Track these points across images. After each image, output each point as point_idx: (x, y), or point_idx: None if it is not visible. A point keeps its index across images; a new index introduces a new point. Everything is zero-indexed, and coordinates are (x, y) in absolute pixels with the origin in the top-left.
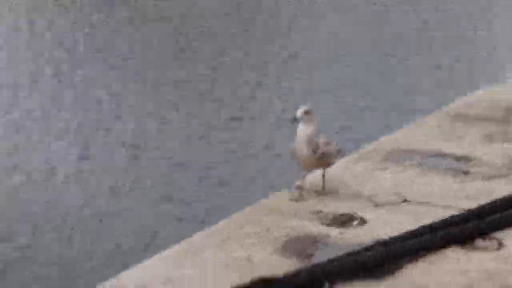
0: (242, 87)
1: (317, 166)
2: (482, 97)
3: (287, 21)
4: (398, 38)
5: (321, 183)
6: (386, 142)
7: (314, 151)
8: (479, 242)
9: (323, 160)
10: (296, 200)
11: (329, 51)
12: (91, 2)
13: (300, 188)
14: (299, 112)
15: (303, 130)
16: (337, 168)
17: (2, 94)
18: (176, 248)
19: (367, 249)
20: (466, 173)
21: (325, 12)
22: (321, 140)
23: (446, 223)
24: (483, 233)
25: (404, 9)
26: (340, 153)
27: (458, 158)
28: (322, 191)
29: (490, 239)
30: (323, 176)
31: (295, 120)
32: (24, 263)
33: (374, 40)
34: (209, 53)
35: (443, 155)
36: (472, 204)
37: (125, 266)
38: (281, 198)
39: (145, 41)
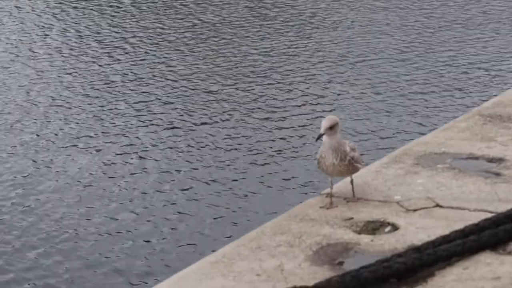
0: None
1: (345, 173)
2: None
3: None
4: (438, 34)
5: (350, 190)
6: (417, 145)
7: (342, 158)
8: None
9: (351, 166)
10: (327, 208)
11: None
12: None
13: (330, 195)
14: (323, 128)
15: (328, 142)
16: (368, 173)
17: None
18: (208, 259)
19: (399, 255)
20: (498, 175)
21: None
22: (347, 145)
23: (479, 228)
24: None
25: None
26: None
27: (490, 160)
28: (352, 198)
29: None
30: (352, 182)
31: (320, 137)
32: None
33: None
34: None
35: (474, 157)
36: (505, 207)
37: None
38: (311, 206)
39: None
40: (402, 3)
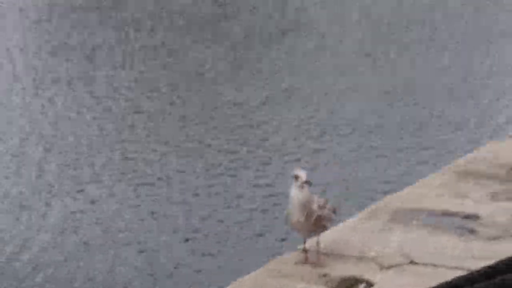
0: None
1: (313, 231)
2: (486, 153)
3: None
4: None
5: (327, 245)
6: (392, 200)
7: (309, 216)
8: None
9: (318, 225)
10: (302, 263)
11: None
12: None
13: (305, 250)
14: (305, 176)
15: (296, 195)
16: (343, 229)
17: None
18: None
19: None
20: (473, 232)
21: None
22: (315, 203)
23: (453, 285)
24: None
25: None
26: (335, 211)
27: (464, 217)
28: (318, 261)
29: None
30: (318, 243)
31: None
32: None
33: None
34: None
35: (449, 214)
36: (480, 265)
37: None
38: (287, 261)
39: None
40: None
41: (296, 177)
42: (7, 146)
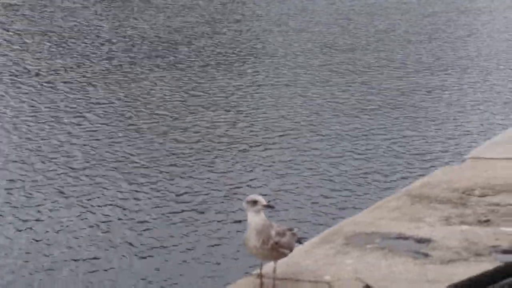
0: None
1: (270, 257)
2: (440, 177)
3: None
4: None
5: (282, 270)
6: (347, 225)
7: (265, 242)
8: None
9: (275, 251)
10: None
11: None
12: None
13: (260, 275)
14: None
15: (253, 220)
16: (298, 253)
17: None
18: None
19: None
20: (426, 256)
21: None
22: (275, 229)
23: None
24: None
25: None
26: (300, 241)
27: (418, 240)
28: (283, 278)
29: None
30: (274, 270)
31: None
32: None
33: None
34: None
35: (404, 237)
36: None
37: None
38: (242, 286)
39: None
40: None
41: (254, 202)
42: None
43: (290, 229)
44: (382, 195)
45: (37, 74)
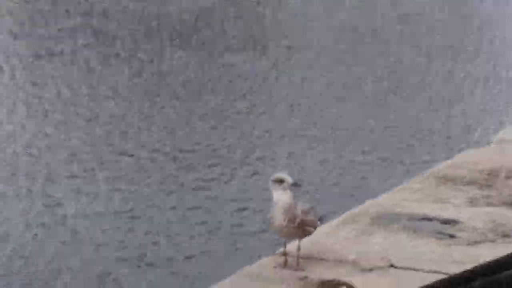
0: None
1: (295, 235)
2: (466, 159)
3: None
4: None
5: (306, 248)
6: (372, 205)
7: (291, 220)
8: None
9: (301, 230)
10: (281, 267)
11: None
12: None
13: (284, 254)
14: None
15: (279, 198)
16: (323, 232)
17: None
18: None
19: None
20: (452, 236)
21: None
22: (299, 207)
23: None
24: None
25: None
26: (321, 219)
27: (443, 222)
28: (296, 266)
29: None
30: (298, 248)
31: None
32: None
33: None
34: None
35: (428, 219)
36: (458, 269)
37: None
38: (266, 265)
39: None
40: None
41: (281, 181)
42: None
43: (312, 207)
44: (407, 177)
45: (60, 53)
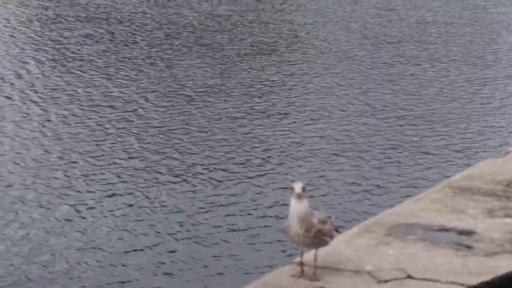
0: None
1: (312, 244)
2: (483, 170)
3: None
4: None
5: (323, 259)
6: (389, 215)
7: (308, 229)
8: None
9: (317, 239)
10: (298, 276)
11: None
12: None
13: (301, 263)
14: (299, 189)
15: (295, 207)
16: (339, 243)
17: None
18: None
19: None
20: (469, 247)
21: None
22: (316, 216)
23: None
24: None
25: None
26: (338, 230)
27: (460, 232)
28: (312, 276)
29: None
30: (315, 258)
31: (299, 196)
32: None
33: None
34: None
35: (445, 229)
36: (476, 281)
37: None
38: (283, 274)
39: None
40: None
41: (293, 189)
42: None
43: (329, 217)
44: (424, 187)
45: (80, 59)
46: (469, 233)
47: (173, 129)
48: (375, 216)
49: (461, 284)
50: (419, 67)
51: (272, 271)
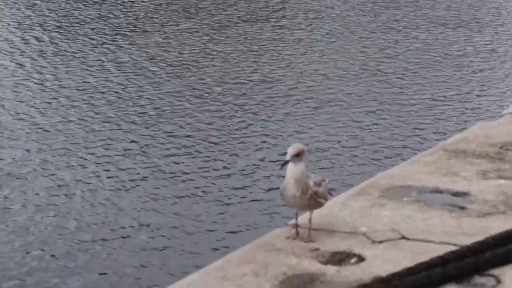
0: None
1: (307, 207)
2: (477, 132)
3: None
4: (398, 68)
5: (318, 221)
6: (383, 178)
7: (304, 191)
8: (477, 278)
9: (313, 201)
10: (293, 238)
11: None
12: None
13: (296, 226)
14: (289, 155)
15: (292, 170)
16: (334, 205)
17: None
18: (172, 287)
19: (365, 286)
20: (463, 209)
21: None
22: (312, 179)
23: (444, 260)
24: (481, 270)
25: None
26: (331, 192)
27: (454, 194)
28: (308, 238)
29: (488, 276)
30: (310, 220)
31: (285, 164)
32: None
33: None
34: None
35: (439, 191)
36: (469, 241)
37: None
38: (277, 236)
39: None
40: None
41: (297, 154)
42: None
43: (324, 180)
44: (418, 150)
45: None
46: (463, 194)
47: (173, 94)
48: (370, 179)
49: (455, 244)
50: (418, 31)
51: (267, 233)
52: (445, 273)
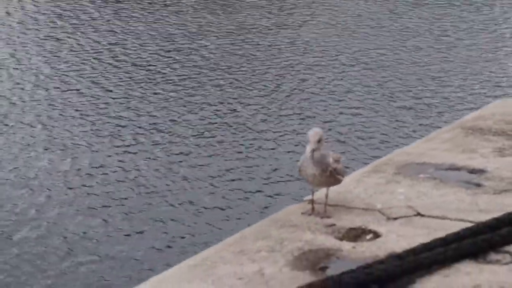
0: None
1: (326, 184)
2: (494, 110)
3: None
4: (417, 48)
5: (333, 197)
6: (399, 155)
7: (324, 169)
8: (492, 255)
9: (332, 178)
10: (308, 214)
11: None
12: None
13: (312, 201)
14: (313, 143)
15: (313, 148)
16: (350, 181)
17: None
18: (188, 262)
19: (380, 262)
20: (479, 186)
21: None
22: (331, 155)
23: (459, 237)
24: (496, 246)
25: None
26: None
27: (471, 171)
28: (324, 213)
29: (503, 252)
30: (327, 196)
31: (313, 151)
32: None
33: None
34: None
35: (456, 168)
36: (485, 217)
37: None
38: (293, 212)
39: None
40: (383, 21)
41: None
42: None
43: (340, 156)
44: (435, 127)
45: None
46: (479, 171)
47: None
48: (386, 156)
49: (470, 221)
50: (431, 14)
51: (283, 209)
52: (460, 249)
